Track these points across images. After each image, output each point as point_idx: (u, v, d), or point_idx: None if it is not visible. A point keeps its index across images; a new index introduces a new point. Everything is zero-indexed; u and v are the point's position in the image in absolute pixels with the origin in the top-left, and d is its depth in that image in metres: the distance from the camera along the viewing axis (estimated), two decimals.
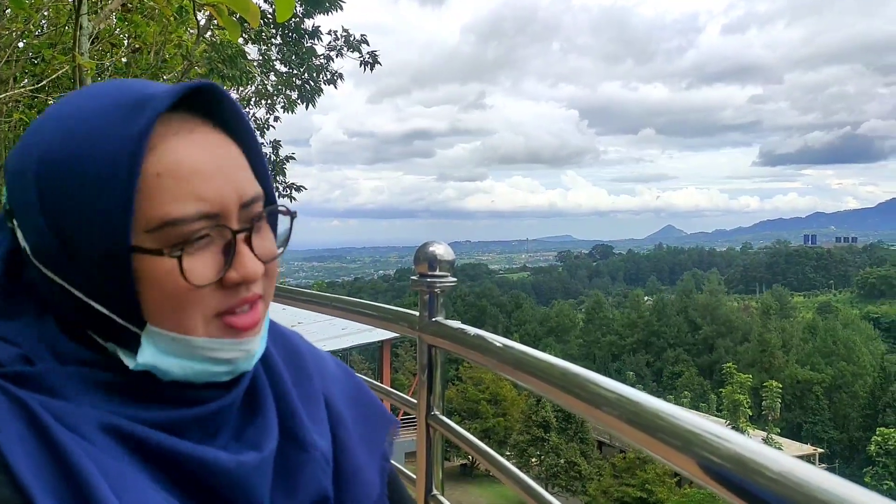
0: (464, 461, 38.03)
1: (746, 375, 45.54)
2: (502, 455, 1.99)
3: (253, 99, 11.89)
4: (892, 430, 42.85)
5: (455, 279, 1.89)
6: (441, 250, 1.86)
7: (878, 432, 42.86)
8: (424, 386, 1.88)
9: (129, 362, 0.64)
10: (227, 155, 0.66)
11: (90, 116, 0.62)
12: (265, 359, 0.75)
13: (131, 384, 0.65)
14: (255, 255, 0.66)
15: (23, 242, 0.65)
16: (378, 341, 23.94)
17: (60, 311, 0.65)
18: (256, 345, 0.68)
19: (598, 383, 1.06)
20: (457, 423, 1.89)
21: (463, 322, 1.73)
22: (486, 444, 1.78)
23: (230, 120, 0.68)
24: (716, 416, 46.17)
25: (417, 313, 1.88)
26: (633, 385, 1.16)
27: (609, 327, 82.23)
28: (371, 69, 12.07)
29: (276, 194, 0.80)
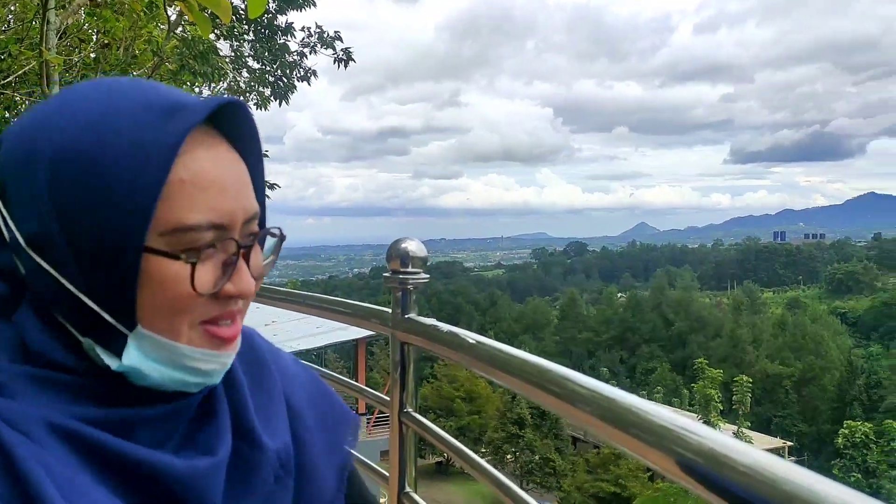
0: (439, 459, 38.12)
1: (718, 370, 46.06)
2: (477, 452, 1.99)
3: (225, 95, 11.76)
4: (859, 423, 43.66)
5: (428, 276, 1.88)
6: (413, 247, 1.85)
7: (845, 425, 43.57)
8: (397, 383, 1.87)
9: (110, 362, 0.63)
10: (241, 172, 0.67)
11: (118, 113, 0.61)
12: None
13: (89, 384, 0.63)
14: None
15: (11, 227, 0.62)
16: (353, 340, 23.85)
17: (42, 303, 0.64)
18: (231, 359, 0.69)
19: (572, 379, 1.05)
20: (432, 420, 1.89)
21: (438, 320, 1.73)
22: (460, 441, 1.77)
23: (245, 138, 0.69)
24: (688, 410, 46.70)
25: (390, 310, 1.87)
26: (607, 381, 1.16)
27: (584, 324, 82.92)
28: (345, 66, 12.02)
29: None
